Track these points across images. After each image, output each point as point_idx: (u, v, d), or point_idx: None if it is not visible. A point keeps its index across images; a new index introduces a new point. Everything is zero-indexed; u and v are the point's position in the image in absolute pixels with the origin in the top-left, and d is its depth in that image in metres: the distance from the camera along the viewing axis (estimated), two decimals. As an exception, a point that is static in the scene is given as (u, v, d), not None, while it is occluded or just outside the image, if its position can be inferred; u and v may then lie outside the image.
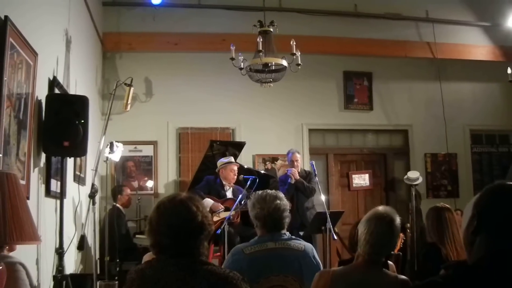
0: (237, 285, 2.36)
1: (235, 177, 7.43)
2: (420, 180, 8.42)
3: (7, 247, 2.79)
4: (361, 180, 10.16)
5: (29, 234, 2.41)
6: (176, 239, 2.44)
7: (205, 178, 7.57)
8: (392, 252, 3.36)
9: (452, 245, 3.95)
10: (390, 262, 3.62)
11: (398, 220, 3.02)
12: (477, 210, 1.84)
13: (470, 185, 10.36)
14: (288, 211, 3.71)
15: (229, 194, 7.47)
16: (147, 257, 3.44)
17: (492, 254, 1.74)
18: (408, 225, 7.74)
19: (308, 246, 3.64)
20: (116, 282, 3.28)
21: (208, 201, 7.09)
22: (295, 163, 8.03)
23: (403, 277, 3.03)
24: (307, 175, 8.08)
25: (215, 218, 6.75)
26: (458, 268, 1.78)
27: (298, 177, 7.92)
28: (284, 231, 3.65)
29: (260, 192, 3.75)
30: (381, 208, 3.08)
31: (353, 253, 3.46)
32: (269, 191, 3.74)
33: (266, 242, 3.55)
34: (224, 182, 7.48)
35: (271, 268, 3.44)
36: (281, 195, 3.73)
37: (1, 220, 2.29)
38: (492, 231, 1.78)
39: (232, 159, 7.64)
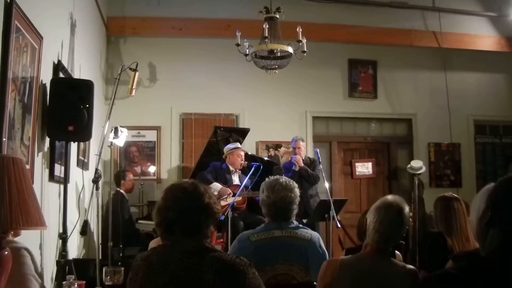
0: (244, 271, 2.37)
1: (242, 162, 7.41)
2: (423, 169, 8.36)
3: (12, 232, 2.78)
4: (364, 168, 10.15)
5: (35, 219, 2.39)
6: (182, 213, 2.45)
7: (211, 164, 7.54)
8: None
9: (458, 236, 3.94)
10: (397, 252, 3.61)
11: (407, 209, 3.01)
12: (491, 202, 1.82)
13: (473, 175, 10.33)
14: (297, 203, 3.68)
15: (235, 179, 7.45)
16: (153, 243, 3.41)
17: (506, 246, 1.72)
18: (411, 214, 7.72)
19: (315, 235, 3.63)
20: (122, 268, 3.25)
21: (217, 185, 7.09)
22: (298, 150, 8.01)
23: (411, 266, 3.02)
24: (311, 163, 8.06)
25: (222, 203, 6.74)
26: (472, 260, 1.77)
27: (302, 164, 7.92)
28: (292, 219, 3.64)
29: (273, 178, 3.72)
30: (390, 197, 3.06)
31: (361, 242, 3.44)
32: (281, 180, 3.71)
33: (273, 230, 3.55)
34: (231, 168, 7.46)
35: (277, 257, 3.43)
36: (293, 185, 3.70)
37: (7, 205, 2.26)
38: (506, 222, 1.76)
39: (238, 144, 7.63)
